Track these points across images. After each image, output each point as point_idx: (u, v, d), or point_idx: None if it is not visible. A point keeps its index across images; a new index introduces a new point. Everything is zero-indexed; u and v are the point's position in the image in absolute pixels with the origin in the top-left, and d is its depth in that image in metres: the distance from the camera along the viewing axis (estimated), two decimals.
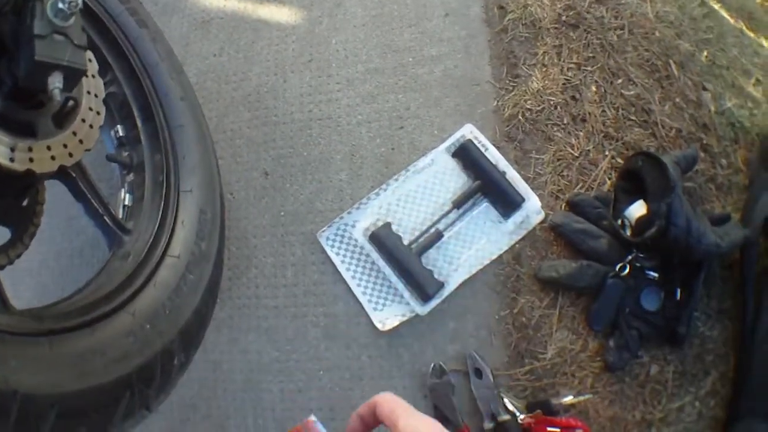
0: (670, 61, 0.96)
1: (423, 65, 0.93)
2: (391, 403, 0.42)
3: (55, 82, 0.60)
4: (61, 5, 0.60)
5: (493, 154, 0.83)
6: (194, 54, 1.07)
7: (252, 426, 0.83)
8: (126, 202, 0.85)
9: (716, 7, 1.11)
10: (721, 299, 0.83)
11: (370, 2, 1.02)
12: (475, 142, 0.84)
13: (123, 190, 0.86)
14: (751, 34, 1.11)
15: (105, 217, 0.76)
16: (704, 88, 0.97)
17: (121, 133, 0.87)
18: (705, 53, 1.01)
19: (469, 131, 0.85)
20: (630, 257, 0.77)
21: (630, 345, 0.76)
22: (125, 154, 0.86)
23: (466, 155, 0.83)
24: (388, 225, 0.82)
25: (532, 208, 0.80)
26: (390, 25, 0.98)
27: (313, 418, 0.43)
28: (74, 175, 0.74)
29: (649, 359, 0.78)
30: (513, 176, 0.82)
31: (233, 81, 1.02)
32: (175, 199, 0.79)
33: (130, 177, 0.85)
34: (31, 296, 0.97)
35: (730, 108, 0.96)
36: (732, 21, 1.11)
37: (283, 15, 1.05)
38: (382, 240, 0.81)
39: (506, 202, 0.80)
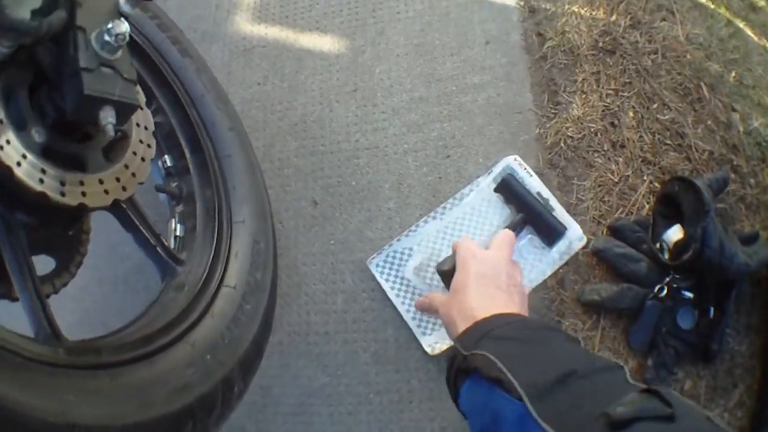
0: (701, 84, 1.00)
1: (466, 93, 0.97)
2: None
3: (108, 117, 0.59)
4: (107, 38, 0.59)
5: (536, 182, 0.87)
6: (237, 82, 1.10)
7: None
8: (177, 233, 0.86)
9: (741, 25, 1.14)
10: (749, 315, 0.87)
11: (411, 31, 1.05)
12: (519, 171, 0.88)
13: (174, 221, 0.87)
14: None
15: (157, 248, 0.76)
16: (733, 109, 1.00)
17: (168, 164, 0.88)
18: (733, 73, 1.04)
19: (512, 160, 0.89)
20: (667, 279, 0.81)
21: (667, 363, 0.81)
22: (174, 184, 0.88)
23: (509, 189, 0.87)
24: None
25: (575, 235, 0.84)
26: (432, 53, 1.02)
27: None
28: (125, 206, 0.74)
29: (684, 375, 0.83)
30: (555, 205, 0.85)
31: (278, 110, 1.05)
32: (228, 230, 0.81)
33: (180, 207, 0.87)
34: (73, 322, 0.98)
35: (757, 128, 1.00)
36: (756, 39, 1.14)
37: (326, 44, 1.09)
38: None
39: (549, 231, 0.84)
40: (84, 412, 0.50)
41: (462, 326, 0.56)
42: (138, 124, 0.72)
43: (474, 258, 0.66)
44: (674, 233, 0.83)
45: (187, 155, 0.87)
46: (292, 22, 1.14)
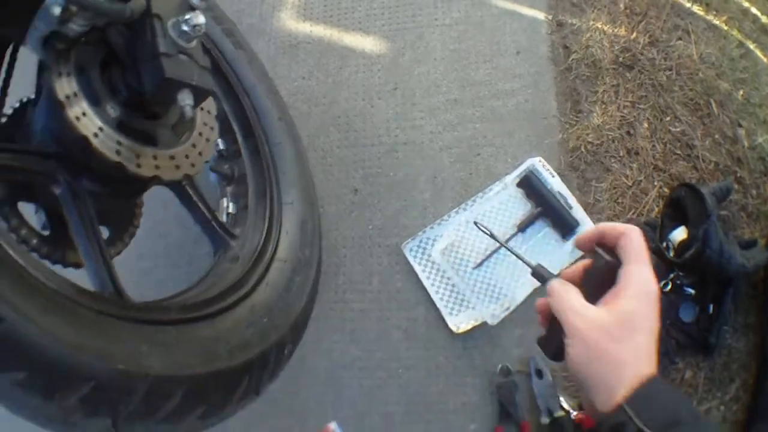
0: (711, 100, 1.09)
1: (498, 98, 1.06)
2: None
3: (186, 99, 0.66)
4: (185, 27, 0.65)
5: (557, 183, 0.96)
6: (282, 76, 1.19)
7: (332, 417, 0.94)
8: (229, 210, 0.94)
9: (752, 47, 1.22)
10: (746, 315, 0.96)
11: (448, 38, 1.14)
12: (543, 172, 0.97)
13: (225, 200, 0.95)
14: None
15: (213, 223, 0.84)
16: (739, 125, 1.09)
17: (221, 147, 0.96)
18: (741, 92, 1.12)
19: (537, 161, 0.98)
20: (672, 275, 0.90)
21: (669, 352, 0.90)
22: (226, 166, 0.95)
23: (529, 185, 0.97)
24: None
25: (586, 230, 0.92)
26: (467, 59, 1.11)
27: (333, 425, 0.40)
28: (184, 183, 0.81)
29: (684, 365, 0.92)
30: (573, 203, 0.95)
31: (323, 104, 1.15)
32: (279, 210, 0.90)
33: (231, 188, 0.95)
34: None
35: (761, 143, 1.08)
36: (766, 60, 1.21)
37: (368, 44, 1.18)
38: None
39: (564, 225, 0.94)
40: (155, 362, 0.56)
41: (628, 382, 0.42)
42: (202, 108, 0.79)
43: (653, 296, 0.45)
44: (679, 234, 0.91)
45: (240, 140, 0.95)
46: (336, 21, 1.23)
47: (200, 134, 0.78)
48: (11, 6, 0.61)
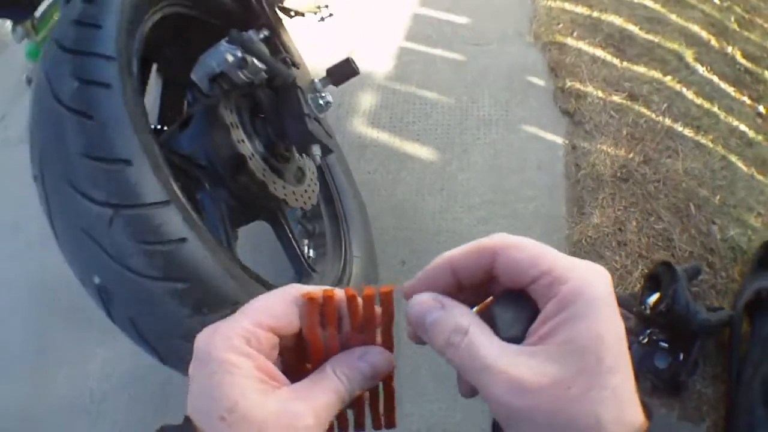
0: (690, 204, 1.63)
1: (521, 202, 1.65)
2: (531, 250, 0.35)
3: (316, 151, 1.11)
4: (321, 101, 1.16)
5: None
6: (353, 169, 1.80)
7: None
8: (310, 255, 1.41)
9: (734, 159, 1.77)
10: (714, 366, 1.44)
11: (487, 153, 1.77)
12: None
13: (306, 246, 1.42)
14: (761, 177, 1.75)
15: (301, 257, 1.21)
16: (714, 223, 1.62)
17: (310, 246, 1.48)
18: (718, 196, 1.66)
19: None
20: (648, 331, 1.42)
21: (644, 392, 1.40)
22: (309, 224, 1.46)
23: None
24: None
25: None
26: (500, 171, 1.72)
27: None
28: (283, 222, 1.21)
29: (660, 405, 1.40)
30: None
31: (383, 194, 1.77)
32: (350, 260, 1.40)
33: (310, 240, 1.44)
34: None
35: (733, 236, 1.60)
36: (746, 169, 1.76)
37: (423, 152, 1.82)
38: None
39: None
40: None
41: None
42: (309, 168, 1.30)
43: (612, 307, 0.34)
44: (654, 297, 1.44)
45: (322, 207, 1.50)
46: (398, 131, 1.89)
47: (310, 184, 1.26)
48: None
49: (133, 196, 0.77)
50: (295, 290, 0.38)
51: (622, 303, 1.48)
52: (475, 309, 0.39)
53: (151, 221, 0.77)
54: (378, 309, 0.40)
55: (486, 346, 0.34)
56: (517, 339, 0.35)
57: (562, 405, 0.31)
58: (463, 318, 0.36)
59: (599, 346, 0.32)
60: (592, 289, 0.33)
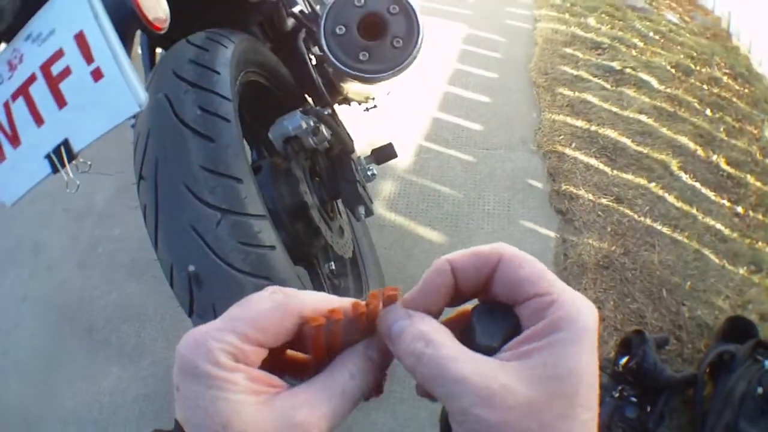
0: (663, 289, 2.26)
1: None
2: (533, 267, 0.42)
3: (361, 211, 1.55)
4: (368, 172, 1.78)
5: None
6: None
7: None
8: None
9: (707, 252, 2.40)
10: (680, 418, 2.01)
11: (489, 241, 2.42)
12: None
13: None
14: (731, 268, 2.37)
15: None
16: (683, 304, 2.24)
17: (333, 267, 1.83)
18: (689, 283, 2.29)
19: None
20: (620, 387, 2.00)
21: None
22: (335, 279, 1.95)
23: None
24: None
25: None
26: None
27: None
28: (318, 270, 1.67)
29: None
30: None
31: (396, 268, 2.41)
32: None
33: (337, 294, 2.01)
34: None
35: (701, 315, 2.21)
36: (717, 261, 2.39)
37: (434, 236, 2.50)
38: None
39: None
40: None
41: None
42: (346, 229, 1.89)
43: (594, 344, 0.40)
44: (625, 359, 2.03)
45: (348, 267, 2.06)
46: (413, 217, 2.57)
47: (348, 239, 1.74)
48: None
49: (240, 206, 1.07)
50: (283, 297, 0.41)
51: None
52: (442, 318, 0.44)
53: (252, 228, 1.08)
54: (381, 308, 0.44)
55: (453, 356, 0.38)
56: (491, 350, 0.39)
57: (531, 427, 0.35)
58: (426, 325, 0.41)
59: (578, 378, 0.36)
60: (584, 320, 0.38)
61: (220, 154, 1.10)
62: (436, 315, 0.44)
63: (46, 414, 2.13)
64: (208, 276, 1.06)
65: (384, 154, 1.89)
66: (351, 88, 1.94)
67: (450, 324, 0.43)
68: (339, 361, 0.43)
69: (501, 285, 0.42)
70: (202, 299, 1.07)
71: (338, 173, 1.64)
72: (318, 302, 0.42)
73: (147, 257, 2.56)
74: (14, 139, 1.09)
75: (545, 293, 0.39)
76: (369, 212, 1.65)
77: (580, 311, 0.38)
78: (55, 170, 1.05)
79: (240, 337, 0.39)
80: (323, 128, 1.48)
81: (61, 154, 1.04)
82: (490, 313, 0.42)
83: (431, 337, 0.39)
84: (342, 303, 0.43)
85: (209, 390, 0.37)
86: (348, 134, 1.64)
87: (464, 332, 0.42)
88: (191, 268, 1.06)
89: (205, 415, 0.37)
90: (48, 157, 1.05)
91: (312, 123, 1.43)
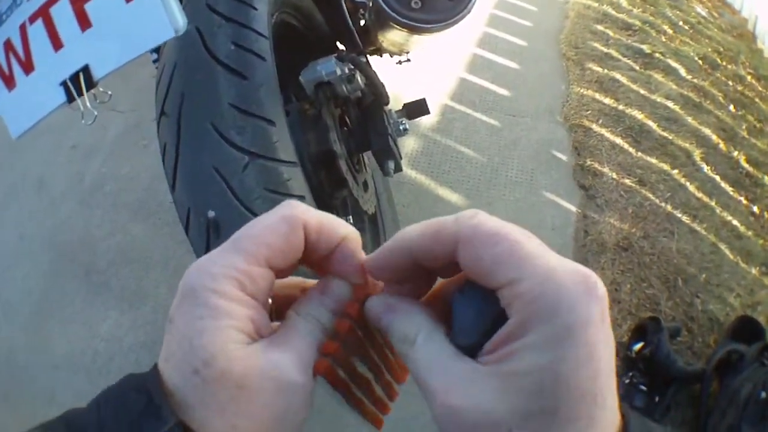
0: (678, 278, 2.06)
1: None
2: (502, 246, 0.32)
3: (390, 164, 1.41)
4: (401, 127, 1.52)
5: None
6: None
7: None
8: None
9: (723, 247, 2.20)
10: (685, 414, 1.84)
11: (510, 209, 2.22)
12: None
13: None
14: (744, 266, 2.18)
15: None
16: (697, 296, 2.04)
17: (351, 222, 1.47)
18: (704, 276, 2.09)
19: None
20: (630, 374, 1.82)
21: None
22: None
23: None
24: None
25: None
26: (517, 224, 2.15)
27: None
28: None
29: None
30: None
31: None
32: None
33: None
34: None
35: (713, 309, 2.02)
36: (732, 257, 2.19)
37: (454, 198, 2.27)
38: None
39: None
40: None
41: None
42: (370, 183, 1.70)
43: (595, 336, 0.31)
44: (638, 345, 1.84)
45: (367, 222, 1.82)
46: (434, 177, 2.34)
47: (372, 194, 1.59)
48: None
49: (270, 150, 0.95)
50: (289, 208, 0.37)
51: None
52: (429, 293, 0.39)
53: (282, 175, 0.95)
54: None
55: (426, 365, 0.33)
56: (474, 348, 0.33)
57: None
58: (411, 325, 0.36)
59: (558, 390, 0.29)
60: (568, 316, 0.29)
61: (253, 93, 0.97)
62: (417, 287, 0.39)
63: (36, 360, 1.92)
64: (228, 223, 0.93)
65: (416, 109, 1.67)
66: (389, 38, 1.75)
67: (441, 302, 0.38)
68: (296, 305, 0.39)
69: (469, 270, 0.33)
70: None
71: (369, 125, 1.46)
72: (323, 216, 0.37)
73: (155, 199, 2.33)
74: (28, 66, 0.96)
75: (518, 279, 0.31)
76: (398, 168, 1.47)
77: (566, 302, 0.30)
78: (70, 99, 0.92)
79: (245, 256, 0.34)
80: (358, 76, 1.32)
81: (79, 82, 0.92)
82: (470, 299, 0.35)
83: (414, 339, 0.35)
84: (344, 228, 0.38)
85: (202, 320, 0.33)
86: (383, 85, 1.44)
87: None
88: (211, 213, 0.93)
89: (189, 349, 0.32)
90: (64, 84, 0.93)
91: (347, 70, 1.28)
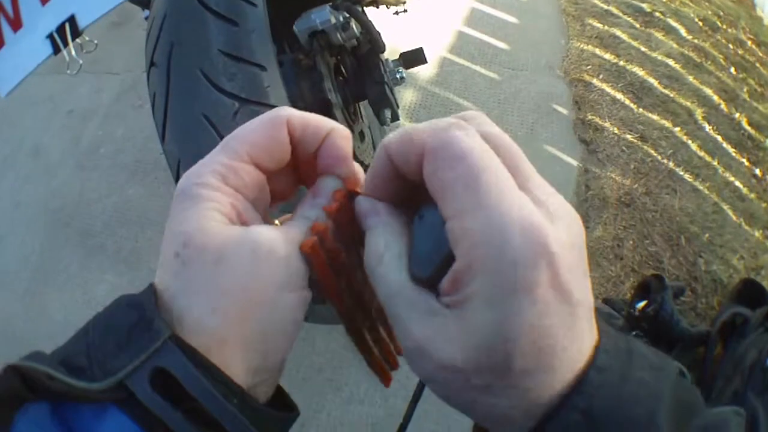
0: (681, 236, 1.95)
1: None
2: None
3: (387, 114, 1.36)
4: (398, 75, 1.47)
5: None
6: None
7: None
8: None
9: (725, 207, 2.09)
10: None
11: None
12: None
13: None
14: (747, 228, 2.08)
15: None
16: (700, 256, 1.94)
17: None
18: (707, 235, 1.98)
19: None
20: (633, 333, 1.71)
21: None
22: None
23: None
24: None
25: None
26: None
27: None
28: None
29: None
30: None
31: None
32: None
33: None
34: None
35: (715, 270, 1.92)
36: (735, 218, 2.08)
37: None
38: None
39: None
40: None
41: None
42: (367, 134, 1.60)
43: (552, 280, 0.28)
44: (642, 303, 1.73)
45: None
46: None
47: (368, 144, 1.53)
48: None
49: (262, 96, 0.92)
50: (273, 110, 0.36)
51: (613, 305, 1.77)
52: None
53: None
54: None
55: (391, 289, 0.31)
56: (431, 281, 0.30)
57: (461, 393, 0.29)
58: (382, 238, 0.33)
59: (508, 348, 0.27)
60: (512, 272, 0.26)
61: (243, 39, 0.94)
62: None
63: (33, 328, 1.85)
64: None
65: (413, 58, 1.59)
66: None
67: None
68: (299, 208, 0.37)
69: (430, 189, 0.30)
70: None
71: (365, 73, 1.40)
72: (309, 114, 0.36)
73: (151, 158, 2.23)
74: (16, 23, 0.97)
75: (463, 211, 0.27)
76: (395, 116, 1.41)
77: (506, 255, 0.26)
78: (56, 51, 0.94)
79: (230, 154, 0.34)
80: (353, 24, 1.27)
81: (65, 32, 0.93)
82: (429, 226, 0.31)
83: (381, 257, 0.32)
84: (330, 123, 0.36)
85: (184, 210, 0.32)
86: (379, 33, 1.38)
87: None
88: None
89: (172, 237, 0.31)
90: (50, 36, 0.95)
91: (341, 18, 1.23)
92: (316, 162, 0.37)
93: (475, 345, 0.27)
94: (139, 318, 0.30)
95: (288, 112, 0.35)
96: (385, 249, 0.32)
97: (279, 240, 0.32)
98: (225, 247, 0.31)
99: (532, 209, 0.28)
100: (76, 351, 0.30)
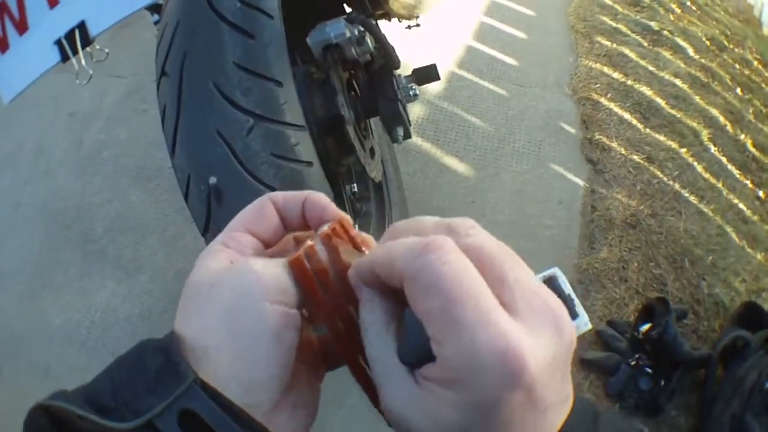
0: (686, 259, 1.91)
1: (540, 228, 1.92)
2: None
3: (399, 131, 1.31)
4: (411, 93, 1.39)
5: (569, 287, 1.79)
6: None
7: None
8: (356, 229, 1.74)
9: (729, 230, 2.05)
10: (688, 398, 1.70)
11: (517, 180, 2.06)
12: (560, 277, 1.80)
13: (353, 222, 1.76)
14: (750, 251, 2.03)
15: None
16: (704, 279, 1.90)
17: (355, 190, 1.51)
18: (710, 258, 1.94)
19: (557, 270, 1.82)
20: (637, 356, 1.67)
21: (629, 409, 1.64)
22: (357, 204, 1.62)
23: (551, 285, 1.79)
24: None
25: (582, 321, 1.71)
26: (526, 198, 1.99)
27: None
28: (342, 193, 1.40)
29: (642, 423, 1.65)
30: (576, 302, 1.76)
31: (420, 196, 2.03)
32: None
33: (357, 219, 1.66)
34: None
35: (719, 293, 1.87)
36: (738, 241, 2.04)
37: (461, 167, 2.09)
38: None
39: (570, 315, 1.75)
40: None
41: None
42: (377, 150, 1.54)
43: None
44: (646, 326, 1.70)
45: (371, 190, 1.71)
46: (441, 145, 2.16)
47: (378, 161, 1.49)
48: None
49: (277, 113, 0.87)
50: (264, 196, 0.41)
51: (617, 327, 1.74)
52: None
53: (288, 140, 0.88)
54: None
55: (376, 357, 0.33)
56: (413, 365, 0.32)
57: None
58: (370, 313, 0.34)
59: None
60: (483, 395, 0.28)
61: (260, 52, 0.88)
62: None
63: (31, 331, 1.80)
64: (231, 190, 0.86)
65: (426, 74, 1.52)
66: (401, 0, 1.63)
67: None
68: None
69: (413, 310, 0.31)
70: (221, 216, 0.87)
71: (378, 89, 1.35)
72: (285, 192, 0.41)
73: (154, 164, 2.17)
74: (21, 25, 0.91)
75: (440, 340, 0.29)
76: (407, 134, 1.37)
77: (479, 382, 0.28)
78: (65, 58, 0.88)
79: (232, 231, 0.39)
80: (368, 38, 1.23)
81: (75, 40, 0.87)
82: (417, 321, 0.31)
83: (365, 326, 0.34)
84: (307, 191, 0.41)
85: (195, 267, 0.37)
86: (393, 48, 1.32)
87: None
88: (212, 179, 0.86)
89: (187, 288, 0.36)
90: (58, 43, 0.88)
91: (356, 32, 1.18)
92: (307, 225, 0.41)
93: (442, 428, 0.29)
94: (166, 360, 0.32)
95: (270, 194, 0.41)
96: (371, 323, 0.34)
97: (266, 262, 0.36)
98: (218, 275, 0.35)
99: (510, 332, 0.28)
100: (102, 391, 0.32)
